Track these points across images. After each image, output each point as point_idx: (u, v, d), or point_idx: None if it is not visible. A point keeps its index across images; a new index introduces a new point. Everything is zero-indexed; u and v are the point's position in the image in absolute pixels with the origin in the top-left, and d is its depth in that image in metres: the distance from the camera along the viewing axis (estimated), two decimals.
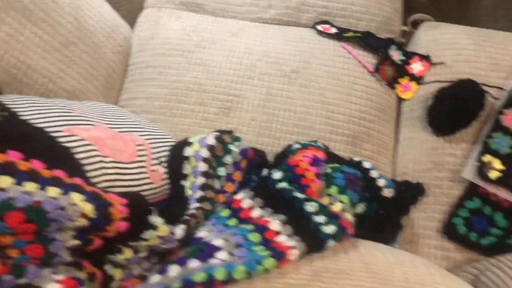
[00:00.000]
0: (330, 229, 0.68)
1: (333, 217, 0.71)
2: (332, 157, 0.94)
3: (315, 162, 0.82)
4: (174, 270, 0.58)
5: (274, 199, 0.73)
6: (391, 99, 1.13)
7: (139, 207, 0.62)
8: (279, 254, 0.60)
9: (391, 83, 1.13)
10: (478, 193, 0.94)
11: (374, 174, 0.91)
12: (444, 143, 1.03)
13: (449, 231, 0.92)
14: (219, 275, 0.55)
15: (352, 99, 1.08)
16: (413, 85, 1.13)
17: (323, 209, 0.72)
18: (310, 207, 0.72)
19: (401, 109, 1.14)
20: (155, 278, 0.57)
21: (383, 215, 0.89)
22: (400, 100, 1.15)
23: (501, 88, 1.06)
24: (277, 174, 0.79)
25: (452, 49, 1.14)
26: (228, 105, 1.06)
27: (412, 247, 0.95)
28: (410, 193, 0.97)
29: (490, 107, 1.04)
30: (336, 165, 0.87)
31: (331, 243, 0.67)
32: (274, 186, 0.77)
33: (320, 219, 0.70)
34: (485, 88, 1.06)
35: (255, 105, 1.06)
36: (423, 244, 0.94)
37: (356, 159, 0.95)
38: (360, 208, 0.88)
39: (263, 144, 1.00)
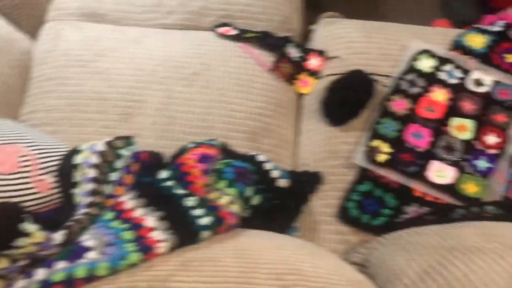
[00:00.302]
0: (205, 220, 0.71)
1: (211, 210, 0.74)
2: (228, 154, 0.96)
3: (203, 159, 0.85)
4: (40, 273, 0.59)
5: (156, 198, 0.75)
6: (291, 94, 1.17)
7: (5, 216, 0.62)
8: (146, 248, 0.62)
9: (290, 79, 1.18)
10: (369, 176, 0.99)
11: (268, 166, 0.95)
12: (339, 132, 1.08)
13: (343, 215, 0.97)
14: (80, 273, 0.56)
15: (251, 97, 1.11)
16: (311, 80, 1.18)
17: (202, 203, 0.74)
18: (189, 201, 0.74)
19: (302, 103, 1.18)
20: (19, 283, 0.57)
21: (278, 204, 0.92)
22: (301, 95, 1.19)
23: (389, 76, 1.11)
24: (163, 174, 0.81)
25: (345, 43, 1.19)
26: (128, 111, 1.07)
27: (312, 233, 0.98)
28: (309, 182, 1.01)
29: (380, 95, 1.10)
30: (229, 160, 0.90)
31: (205, 234, 0.69)
32: (159, 185, 0.78)
33: (198, 212, 0.73)
34: (375, 77, 1.11)
35: (155, 109, 1.08)
36: (321, 230, 0.98)
37: (252, 153, 0.97)
38: (256, 200, 0.91)
39: (163, 146, 1.02)
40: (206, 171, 0.84)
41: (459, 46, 1.15)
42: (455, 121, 1.03)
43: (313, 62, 1.20)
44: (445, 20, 1.77)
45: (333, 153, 1.06)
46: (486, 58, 1.12)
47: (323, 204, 1.01)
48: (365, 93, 1.09)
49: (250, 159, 0.95)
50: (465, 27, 1.32)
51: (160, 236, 0.65)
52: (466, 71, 1.09)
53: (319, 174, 1.02)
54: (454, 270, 0.65)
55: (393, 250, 0.80)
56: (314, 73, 1.19)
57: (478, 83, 1.07)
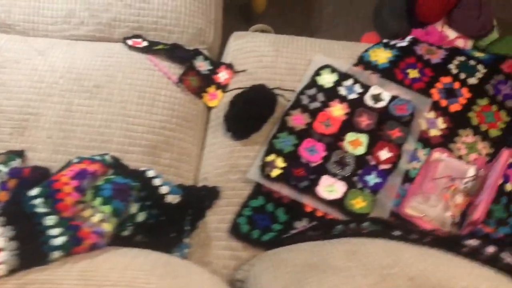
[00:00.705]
0: (59, 241, 0.70)
1: (70, 229, 0.72)
2: (118, 169, 0.95)
3: (79, 175, 0.83)
4: None
5: (16, 216, 0.73)
6: (198, 107, 1.16)
7: None
8: None
9: (198, 92, 1.17)
10: (263, 191, 0.99)
11: (157, 182, 0.94)
12: (240, 146, 1.07)
13: (234, 230, 0.96)
14: None
15: (153, 109, 1.10)
16: (219, 93, 1.18)
17: (62, 222, 0.73)
18: (49, 220, 0.73)
19: (210, 117, 1.17)
20: None
21: (165, 221, 0.91)
22: (209, 108, 1.18)
23: (293, 91, 1.12)
24: (34, 191, 0.79)
25: (254, 57, 1.20)
26: (24, 124, 1.05)
27: (204, 249, 0.97)
28: (206, 197, 1.00)
29: (282, 109, 1.10)
30: (111, 176, 0.89)
31: (56, 254, 0.68)
32: (25, 203, 0.77)
33: (54, 231, 0.71)
34: (279, 91, 1.12)
35: (52, 122, 1.06)
36: (214, 245, 0.98)
37: (143, 168, 0.96)
38: (141, 216, 0.90)
39: (58, 161, 1.00)
40: (81, 188, 0.82)
41: (363, 61, 1.16)
42: (350, 136, 1.03)
43: (222, 75, 1.20)
44: (374, 33, 1.79)
45: (233, 167, 1.05)
46: (389, 73, 1.14)
47: (218, 219, 1.00)
48: (267, 108, 1.09)
49: (139, 175, 0.94)
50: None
51: (2, 258, 0.64)
52: (366, 87, 1.10)
53: (216, 189, 1.02)
54: None
55: (265, 267, 0.80)
56: (222, 87, 1.19)
57: (376, 98, 1.09)
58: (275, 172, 1.00)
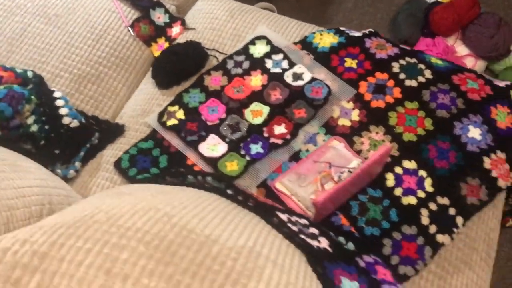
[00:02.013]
0: None
1: None
2: (38, 86, 1.05)
3: None
4: None
5: None
6: (143, 54, 1.24)
7: None
8: None
9: (148, 40, 1.25)
10: (155, 137, 1.04)
11: (60, 103, 1.03)
12: (159, 95, 1.14)
13: (116, 164, 1.02)
14: None
15: (97, 45, 1.20)
16: (166, 45, 1.24)
17: None
18: None
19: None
20: None
21: (56, 138, 1.00)
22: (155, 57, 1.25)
23: (226, 55, 1.15)
24: None
25: (208, 18, 1.25)
26: None
27: (91, 177, 1.05)
28: (106, 130, 1.08)
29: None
30: (12, 85, 0.99)
31: None
32: None
33: None
34: (213, 53, 1.16)
35: (5, 36, 1.19)
36: (100, 175, 1.05)
37: (54, 89, 1.06)
38: (34, 127, 0.99)
39: None
40: None
41: (305, 42, 1.16)
42: (254, 106, 1.05)
43: (175, 30, 1.26)
44: None
45: (146, 111, 1.12)
46: (325, 57, 1.13)
47: (112, 153, 1.07)
48: (194, 65, 1.14)
49: (45, 92, 1.04)
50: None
51: None
52: (292, 64, 1.10)
53: (119, 126, 1.08)
54: None
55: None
56: (171, 40, 1.24)
57: (296, 76, 1.09)
58: (171, 122, 1.04)
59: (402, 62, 1.11)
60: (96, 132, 1.07)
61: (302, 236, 0.72)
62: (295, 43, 1.16)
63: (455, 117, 1.04)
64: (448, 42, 1.67)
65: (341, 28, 1.20)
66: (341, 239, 0.85)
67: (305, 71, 1.09)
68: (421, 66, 1.11)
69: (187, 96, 1.08)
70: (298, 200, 0.93)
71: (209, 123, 1.04)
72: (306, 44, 1.16)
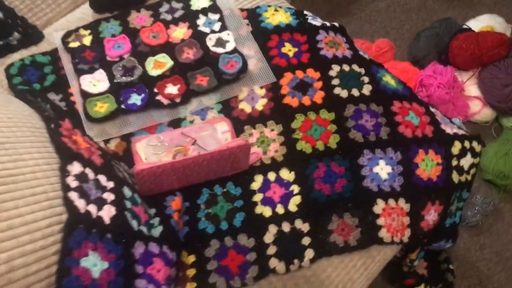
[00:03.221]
0: None
1: None
2: None
3: None
4: None
5: None
6: None
7: None
8: None
9: None
10: (55, 55, 1.00)
11: None
12: (92, 18, 1.08)
13: (6, 69, 0.99)
14: None
15: None
16: None
17: None
18: None
19: None
20: None
21: None
22: None
23: None
24: None
25: None
26: None
27: None
28: (30, 36, 1.05)
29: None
30: None
31: None
32: None
33: None
34: None
35: None
36: None
37: None
38: None
39: None
40: None
41: (253, 12, 1.07)
42: (160, 57, 0.97)
43: None
44: (387, 41, 1.59)
45: (73, 30, 1.07)
46: (265, 35, 1.03)
47: (17, 58, 1.04)
48: None
49: None
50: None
51: None
52: (223, 29, 1.01)
53: (39, 33, 1.05)
54: None
55: None
56: None
57: (219, 42, 1.00)
58: (74, 44, 1.00)
59: (345, 67, 0.99)
60: (16, 33, 1.04)
61: (73, 195, 0.65)
62: (242, 10, 1.06)
63: (368, 145, 0.91)
64: (460, 76, 1.49)
65: (304, 12, 1.08)
66: (155, 220, 0.77)
67: (231, 40, 0.99)
68: (365, 79, 0.98)
69: (104, 25, 1.03)
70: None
71: (108, 58, 0.98)
72: (253, 14, 1.06)
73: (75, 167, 0.69)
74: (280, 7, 1.08)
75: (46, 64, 0.99)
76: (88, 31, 1.02)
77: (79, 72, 0.96)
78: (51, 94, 0.95)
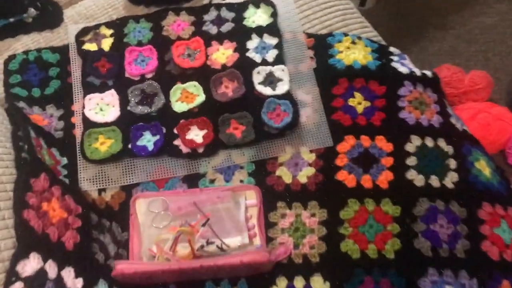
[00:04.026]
0: None
1: None
2: None
3: None
4: None
5: None
6: None
7: None
8: None
9: None
10: (65, 53, 0.82)
11: None
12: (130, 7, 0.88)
13: (6, 61, 0.83)
14: None
15: None
16: None
17: None
18: None
19: None
20: None
21: None
22: None
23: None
24: None
25: None
26: None
27: None
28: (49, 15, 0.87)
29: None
30: None
31: None
32: None
33: None
34: None
35: None
36: None
37: None
38: None
39: None
40: None
41: (322, 40, 0.82)
42: (192, 86, 0.77)
43: None
44: (484, 76, 1.30)
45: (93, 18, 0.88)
46: (332, 76, 0.79)
47: (25, 43, 0.86)
48: None
49: None
50: None
51: None
52: (279, 61, 0.78)
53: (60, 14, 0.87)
54: None
55: None
56: None
57: (270, 80, 0.78)
58: (90, 45, 0.81)
59: (428, 141, 0.76)
60: (32, 9, 0.86)
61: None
62: (309, 35, 0.82)
63: (437, 262, 0.68)
64: None
65: (390, 49, 0.83)
66: None
67: (284, 79, 0.76)
68: (451, 162, 0.74)
69: (132, 26, 0.82)
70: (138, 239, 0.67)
71: (126, 75, 0.78)
72: (322, 43, 0.82)
73: (31, 263, 0.51)
74: (360, 38, 0.83)
75: (53, 65, 0.81)
76: (111, 31, 0.82)
77: (87, 88, 0.77)
78: (50, 107, 0.77)
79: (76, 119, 0.76)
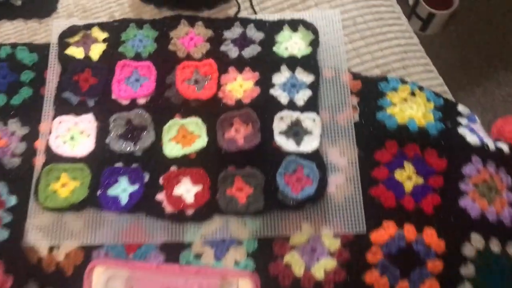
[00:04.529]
0: None
1: None
2: None
3: None
4: None
5: None
6: None
7: None
8: None
9: None
10: (44, 54, 0.65)
11: None
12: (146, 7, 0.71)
13: None
14: None
15: None
16: None
17: None
18: None
19: None
20: None
21: None
22: None
23: (254, 13, 0.67)
24: None
25: None
26: None
27: None
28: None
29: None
30: None
31: None
32: None
33: None
34: None
35: None
36: None
37: None
38: None
39: None
40: None
41: (371, 85, 0.63)
42: (193, 123, 0.59)
43: None
44: None
45: (88, 11, 0.71)
46: (378, 136, 0.60)
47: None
48: None
49: None
50: None
51: None
52: (310, 107, 0.60)
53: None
54: None
55: None
56: None
57: (295, 131, 0.59)
58: (72, 51, 0.64)
59: (494, 245, 0.55)
60: None
61: None
62: (355, 75, 0.63)
63: None
64: None
65: (458, 108, 0.64)
66: None
67: (314, 132, 0.58)
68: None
69: (132, 32, 0.65)
70: None
71: (112, 97, 0.60)
72: (370, 89, 0.63)
73: None
74: (422, 88, 0.63)
75: (27, 67, 0.65)
76: (105, 35, 0.65)
77: (60, 106, 0.60)
78: (14, 121, 0.61)
79: (40, 144, 0.59)
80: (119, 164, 0.57)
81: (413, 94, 0.63)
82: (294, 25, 0.65)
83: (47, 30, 0.71)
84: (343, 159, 0.59)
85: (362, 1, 0.73)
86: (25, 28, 0.72)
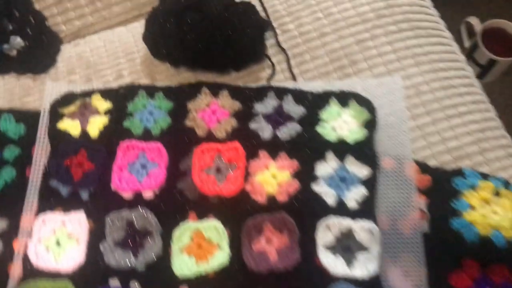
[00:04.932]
0: None
1: None
2: None
3: None
4: None
5: None
6: None
7: None
8: None
9: None
10: (33, 125, 0.53)
11: None
12: (149, 63, 0.59)
13: None
14: None
15: None
16: None
17: None
18: None
19: None
20: None
21: None
22: None
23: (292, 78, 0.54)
24: None
25: None
26: None
27: None
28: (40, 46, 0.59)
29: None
30: None
31: None
32: None
33: None
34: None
35: None
36: None
37: None
38: None
39: None
40: None
41: (444, 182, 0.49)
42: (210, 228, 0.45)
43: None
44: None
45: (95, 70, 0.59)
46: (454, 253, 0.45)
47: None
48: (226, 42, 0.55)
49: None
50: None
51: None
52: (366, 212, 0.46)
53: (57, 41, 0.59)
54: None
55: None
56: None
57: (346, 247, 0.45)
58: (65, 125, 0.51)
59: None
60: (19, 38, 0.59)
61: None
62: (424, 168, 0.49)
63: None
64: None
65: None
66: None
67: (373, 251, 0.44)
68: None
69: (141, 101, 0.53)
70: None
71: (112, 189, 0.47)
72: (442, 188, 0.48)
73: None
74: (508, 185, 0.48)
75: (12, 141, 0.53)
76: (108, 104, 0.53)
77: (46, 198, 0.48)
78: None
79: (19, 246, 0.47)
80: (114, 282, 0.44)
81: (497, 194, 0.49)
82: (345, 98, 0.52)
83: (41, 90, 0.59)
84: (406, 283, 0.45)
85: (426, 63, 0.59)
86: (17, 85, 0.61)
